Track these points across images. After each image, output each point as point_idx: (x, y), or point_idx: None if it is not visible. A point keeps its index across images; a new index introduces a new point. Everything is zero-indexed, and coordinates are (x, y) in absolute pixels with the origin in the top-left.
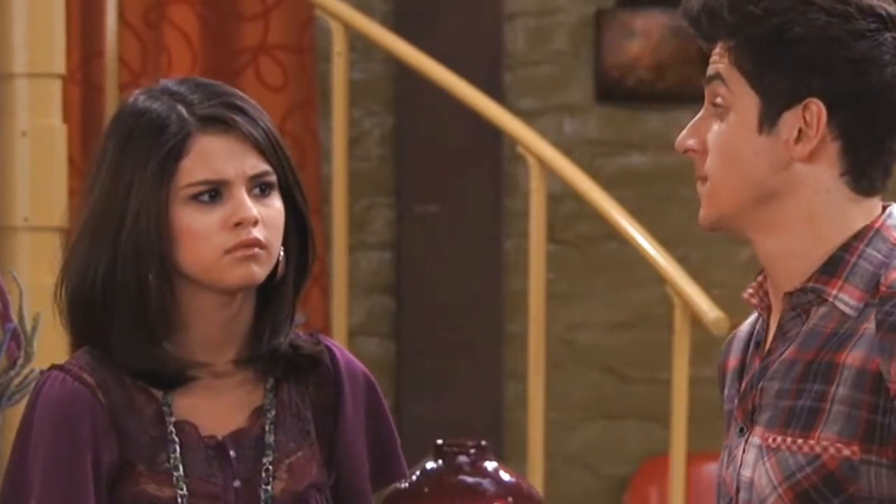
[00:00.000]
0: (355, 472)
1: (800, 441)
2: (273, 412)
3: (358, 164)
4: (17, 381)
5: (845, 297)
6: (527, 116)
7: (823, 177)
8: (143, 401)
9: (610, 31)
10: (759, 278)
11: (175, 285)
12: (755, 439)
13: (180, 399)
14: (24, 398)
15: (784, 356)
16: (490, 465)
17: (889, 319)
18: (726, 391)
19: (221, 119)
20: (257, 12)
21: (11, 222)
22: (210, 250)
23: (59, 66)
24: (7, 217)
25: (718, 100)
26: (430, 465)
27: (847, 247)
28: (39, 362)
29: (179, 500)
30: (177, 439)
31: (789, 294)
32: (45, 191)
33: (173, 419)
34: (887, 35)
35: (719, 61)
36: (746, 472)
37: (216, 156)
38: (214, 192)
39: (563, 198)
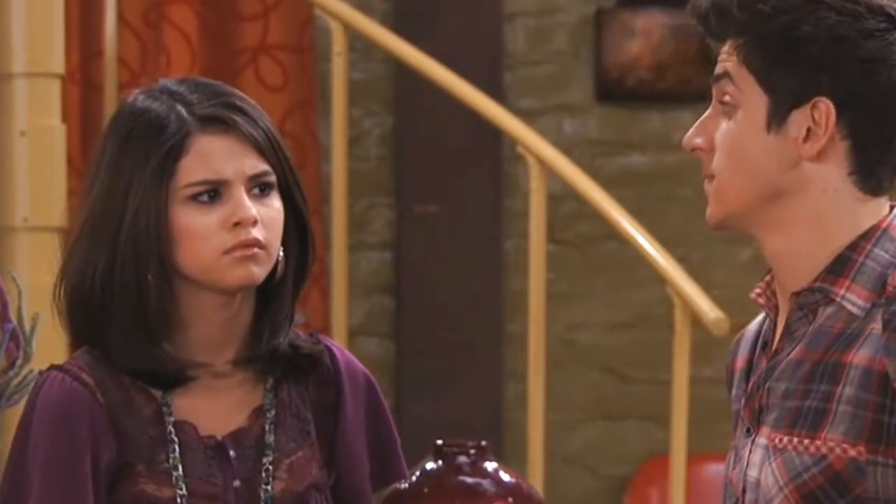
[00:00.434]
0: (355, 473)
1: (806, 441)
2: (273, 412)
3: (358, 164)
4: (16, 381)
5: (853, 297)
6: (527, 116)
7: (832, 176)
8: (143, 401)
9: (610, 31)
10: (767, 278)
11: (174, 285)
12: (761, 440)
13: (180, 399)
14: (23, 398)
15: (791, 356)
16: (490, 466)
17: (895, 320)
18: (734, 391)
19: (221, 119)
20: (257, 12)
21: (10, 222)
22: (209, 250)
23: (59, 65)
24: (6, 217)
25: (726, 98)
26: (429, 465)
27: (854, 246)
28: (38, 363)
29: (179, 500)
30: (176, 439)
31: (796, 294)
32: (45, 191)
33: (172, 419)
34: None
35: (728, 59)
36: (753, 473)
37: (215, 156)
38: (214, 192)
39: (563, 198)
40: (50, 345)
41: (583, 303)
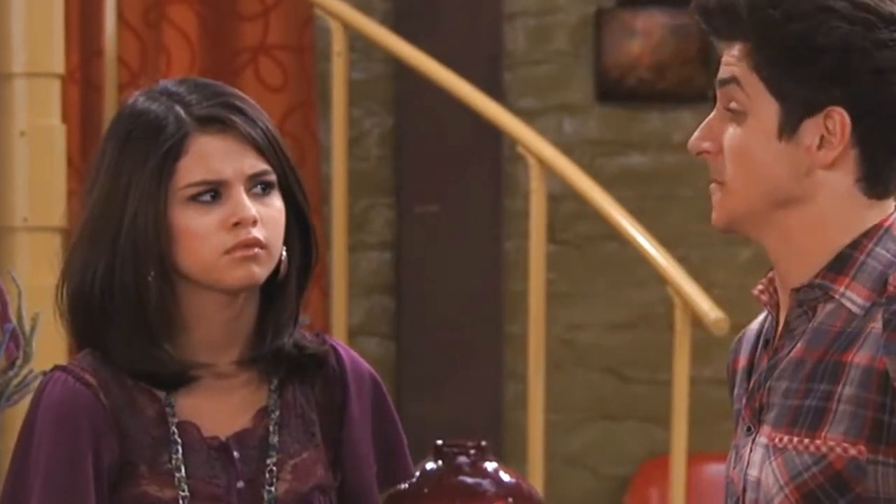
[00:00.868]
0: (361, 473)
1: (806, 441)
2: (277, 413)
3: (358, 164)
4: (15, 381)
5: (852, 296)
6: (527, 116)
7: (841, 182)
8: (146, 401)
9: (610, 31)
10: (770, 275)
11: (175, 286)
12: (762, 439)
13: (183, 400)
14: (22, 399)
15: (792, 355)
16: (490, 466)
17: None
18: (735, 391)
19: (219, 119)
20: (257, 12)
21: (10, 223)
22: (209, 251)
23: (59, 65)
24: (6, 217)
25: (734, 104)
26: (429, 465)
27: (856, 244)
28: (38, 363)
29: (181, 501)
30: (179, 440)
31: (796, 290)
32: (44, 191)
33: (176, 420)
34: None
35: (736, 64)
36: (753, 472)
37: (214, 156)
38: (213, 192)
39: (563, 198)
40: (50, 345)
41: (583, 303)
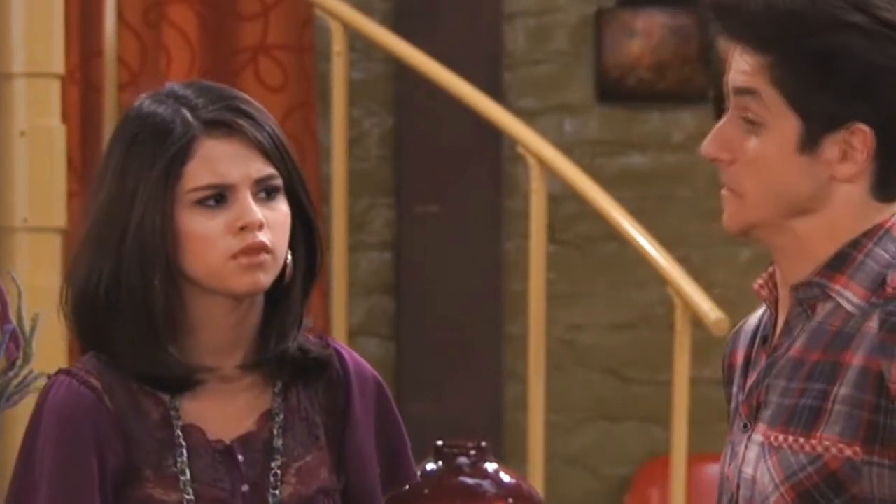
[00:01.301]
0: (365, 476)
1: (801, 440)
2: (281, 416)
3: (358, 164)
4: (15, 382)
5: (849, 294)
6: (527, 116)
7: (856, 191)
8: (151, 405)
9: (610, 31)
10: (770, 269)
11: (181, 290)
12: (758, 436)
13: (188, 403)
14: (22, 399)
15: (790, 353)
16: (490, 467)
17: (891, 320)
18: (732, 386)
19: (226, 123)
20: (256, 12)
21: (10, 223)
22: (216, 255)
23: (58, 65)
24: (6, 217)
25: (751, 115)
26: (429, 466)
27: (856, 244)
28: (38, 363)
29: None
30: (184, 443)
31: (795, 288)
32: (44, 191)
33: (180, 423)
34: None
35: (753, 75)
36: (748, 470)
37: (221, 160)
38: (220, 196)
39: (563, 198)
40: (49, 345)
41: (583, 303)
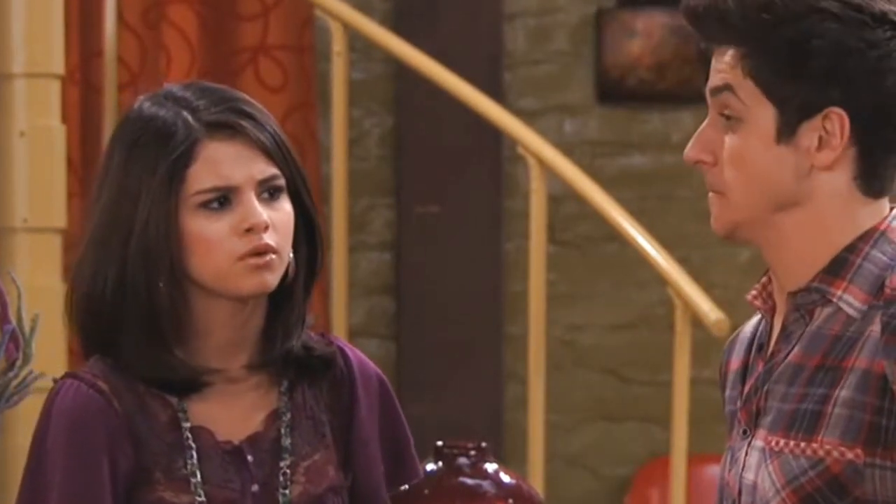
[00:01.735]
0: (370, 473)
1: (803, 444)
2: (288, 415)
3: (357, 165)
4: (15, 382)
5: (850, 299)
6: (527, 116)
7: (839, 182)
8: (158, 407)
9: (610, 31)
10: (763, 279)
11: (187, 293)
12: (758, 442)
13: (195, 405)
14: (22, 400)
15: (789, 359)
16: (490, 467)
17: (894, 322)
18: (728, 392)
19: (228, 125)
20: (256, 12)
21: (10, 223)
22: (222, 257)
23: (58, 66)
24: (5, 218)
25: (728, 111)
26: (430, 466)
27: (852, 248)
28: (38, 364)
29: None
30: (193, 445)
31: (793, 294)
32: (44, 192)
33: (189, 425)
34: None
35: (729, 71)
36: (749, 475)
37: (224, 162)
38: (223, 198)
39: (563, 198)
40: (49, 346)
41: (583, 304)
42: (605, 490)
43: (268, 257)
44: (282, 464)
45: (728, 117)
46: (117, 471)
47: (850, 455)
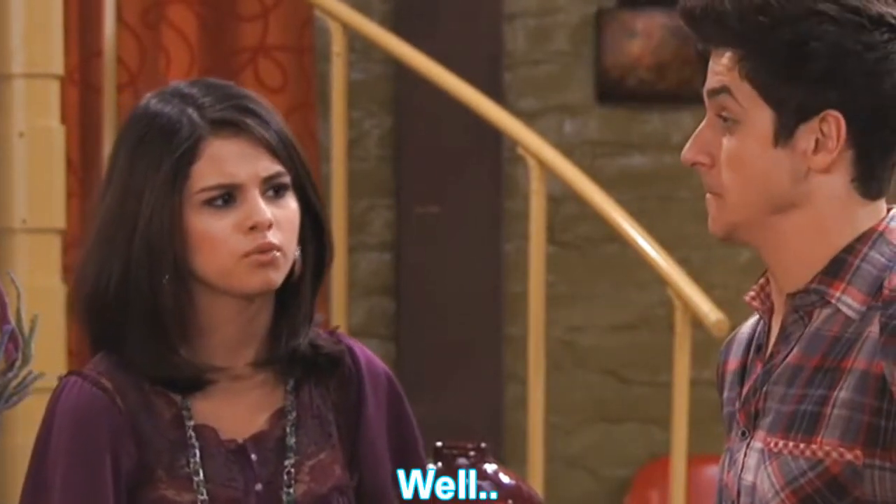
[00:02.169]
0: (377, 473)
1: (802, 446)
2: (294, 414)
3: (357, 165)
4: (14, 383)
5: (848, 300)
6: (527, 117)
7: (837, 184)
8: (163, 405)
9: (610, 31)
10: (761, 281)
11: (191, 290)
12: (757, 443)
13: (199, 403)
14: (21, 400)
15: (788, 360)
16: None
17: (892, 323)
18: (726, 393)
19: (233, 122)
20: (256, 13)
21: (9, 224)
22: (226, 255)
23: (57, 66)
24: (5, 219)
25: (725, 113)
26: (429, 467)
27: (850, 249)
28: (37, 364)
29: None
30: (196, 444)
31: (792, 295)
32: (43, 192)
33: (192, 423)
34: None
35: (726, 73)
36: (748, 477)
37: (228, 159)
38: (228, 195)
39: (563, 199)
40: (49, 346)
41: (583, 305)
42: (605, 491)
43: (272, 254)
44: (286, 463)
45: (725, 119)
46: (120, 469)
47: (849, 456)
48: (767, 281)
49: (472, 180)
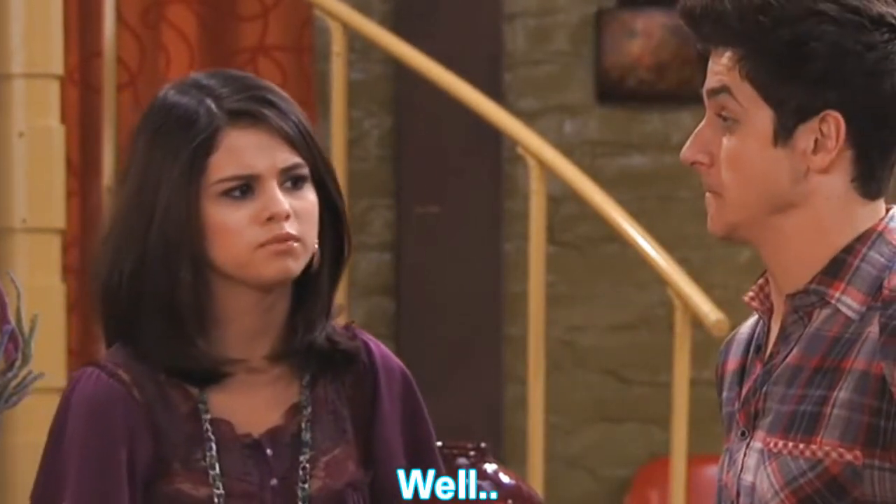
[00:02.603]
0: (391, 469)
1: (801, 446)
2: (309, 409)
3: (357, 165)
4: (14, 382)
5: (848, 300)
6: (527, 117)
7: (837, 184)
8: (179, 398)
9: (610, 31)
10: (760, 281)
11: (208, 281)
12: (757, 444)
13: (215, 396)
14: (21, 400)
15: (787, 360)
16: (490, 468)
17: (892, 323)
18: (725, 393)
19: (250, 113)
20: (256, 12)
21: (9, 224)
22: (243, 246)
23: (57, 66)
24: (4, 218)
25: (725, 113)
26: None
27: (850, 249)
28: (37, 364)
29: (216, 499)
30: (212, 437)
31: (791, 296)
32: (43, 192)
33: (209, 417)
34: None
35: (726, 73)
36: (748, 477)
37: (246, 150)
38: (245, 186)
39: (563, 199)
40: (48, 346)
41: (583, 305)
42: (605, 491)
43: (289, 244)
44: (301, 458)
45: (725, 119)
46: (136, 461)
47: (848, 456)
48: (767, 281)
49: (472, 180)
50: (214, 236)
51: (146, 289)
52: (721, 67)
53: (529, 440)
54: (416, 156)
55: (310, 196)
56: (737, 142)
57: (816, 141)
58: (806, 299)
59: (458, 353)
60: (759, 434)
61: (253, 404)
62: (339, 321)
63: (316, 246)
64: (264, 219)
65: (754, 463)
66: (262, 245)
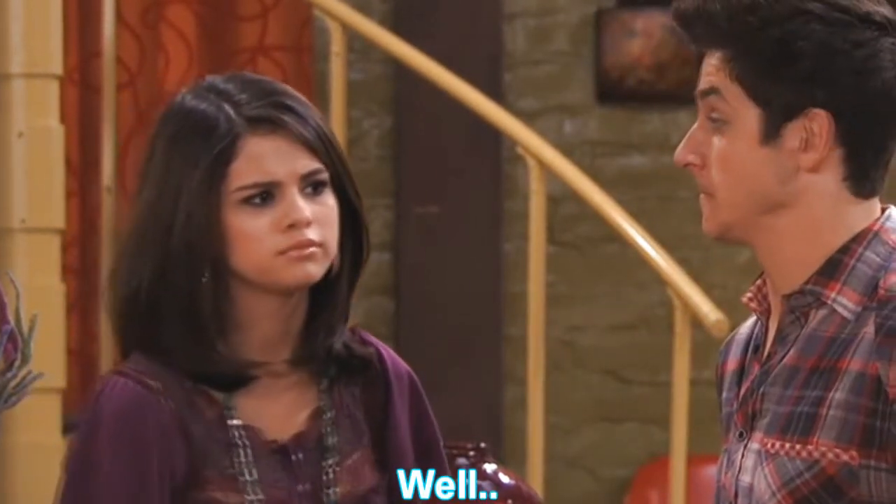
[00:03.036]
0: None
1: (798, 447)
2: (331, 414)
3: (357, 165)
4: (14, 383)
5: (843, 300)
6: (527, 117)
7: (828, 183)
8: (205, 404)
9: (610, 31)
10: (758, 282)
11: (229, 287)
12: (754, 444)
13: (240, 401)
14: (20, 400)
15: (785, 361)
16: (489, 468)
17: (888, 323)
18: (724, 394)
19: (270, 119)
20: (255, 13)
21: (8, 224)
22: (264, 252)
23: (57, 66)
24: (4, 218)
25: (715, 114)
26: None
27: (845, 249)
28: (36, 364)
29: None
30: (240, 443)
31: (787, 296)
32: (42, 192)
33: (237, 423)
34: (886, 41)
35: (715, 74)
36: (745, 478)
37: (266, 157)
38: (266, 193)
39: (563, 199)
40: (48, 346)
41: (583, 305)
42: (605, 491)
43: (310, 250)
44: (324, 463)
45: (715, 120)
46: (168, 469)
47: (845, 457)
48: (764, 282)
49: (472, 180)
50: (235, 243)
51: (167, 295)
52: (711, 69)
53: (529, 440)
54: (415, 156)
55: (330, 201)
56: (726, 142)
57: (805, 139)
58: (802, 300)
59: (458, 353)
60: (757, 435)
61: (276, 409)
62: None
63: (336, 250)
64: (285, 226)
65: (752, 464)
66: (282, 252)
